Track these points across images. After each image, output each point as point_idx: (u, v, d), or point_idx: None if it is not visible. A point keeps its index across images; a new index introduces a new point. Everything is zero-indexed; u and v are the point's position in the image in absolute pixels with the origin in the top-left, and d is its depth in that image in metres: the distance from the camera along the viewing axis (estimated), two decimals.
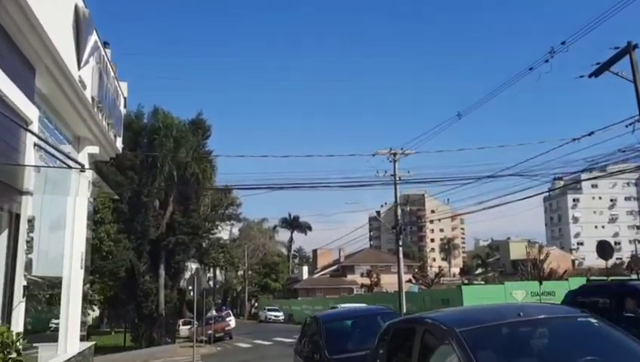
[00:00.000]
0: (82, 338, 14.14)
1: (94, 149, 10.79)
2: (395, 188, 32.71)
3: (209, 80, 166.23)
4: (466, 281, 77.84)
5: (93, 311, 21.35)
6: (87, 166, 11.05)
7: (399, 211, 33.51)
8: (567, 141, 18.02)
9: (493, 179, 20.71)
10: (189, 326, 33.67)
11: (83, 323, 16.37)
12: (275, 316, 51.75)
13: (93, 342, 11.68)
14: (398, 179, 26.29)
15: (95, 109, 9.78)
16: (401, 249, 33.51)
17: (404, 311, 26.48)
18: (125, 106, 30.81)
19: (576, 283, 30.49)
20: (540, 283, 27.38)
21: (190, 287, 16.66)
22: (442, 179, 22.69)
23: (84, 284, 18.19)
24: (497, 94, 19.85)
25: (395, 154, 32.56)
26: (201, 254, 32.16)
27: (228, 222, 34.24)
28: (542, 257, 36.86)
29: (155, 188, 24.55)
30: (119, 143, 12.16)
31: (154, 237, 26.79)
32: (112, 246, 20.92)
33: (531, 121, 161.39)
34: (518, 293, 28.64)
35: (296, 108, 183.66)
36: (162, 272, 27.34)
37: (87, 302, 17.86)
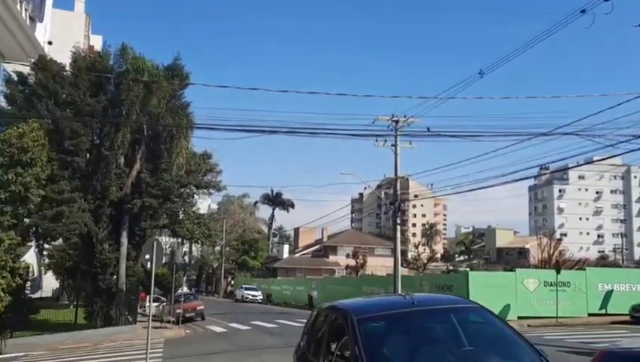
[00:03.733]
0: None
1: None
2: (396, 160, 29.14)
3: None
4: (451, 268, 75.46)
5: (23, 281, 17.29)
6: None
7: (398, 186, 30.09)
8: (635, 95, 14.40)
9: (548, 138, 17.04)
10: (156, 304, 29.97)
11: None
12: (253, 296, 48.28)
13: None
14: (426, 130, 22.53)
15: None
16: (399, 227, 30.09)
17: None
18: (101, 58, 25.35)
19: (596, 273, 27.66)
20: (558, 272, 24.24)
21: (147, 256, 12.82)
22: (483, 133, 18.83)
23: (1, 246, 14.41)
24: (540, 41, 15.97)
25: (396, 122, 29.00)
26: (172, 223, 28.13)
27: (206, 191, 30.18)
28: (553, 245, 33.79)
29: (123, 122, 20.35)
30: (41, 34, 8.21)
31: (116, 199, 22.71)
32: (44, 194, 16.71)
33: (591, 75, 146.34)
34: (530, 282, 25.70)
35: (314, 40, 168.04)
36: (124, 240, 23.37)
37: (5, 270, 13.89)
